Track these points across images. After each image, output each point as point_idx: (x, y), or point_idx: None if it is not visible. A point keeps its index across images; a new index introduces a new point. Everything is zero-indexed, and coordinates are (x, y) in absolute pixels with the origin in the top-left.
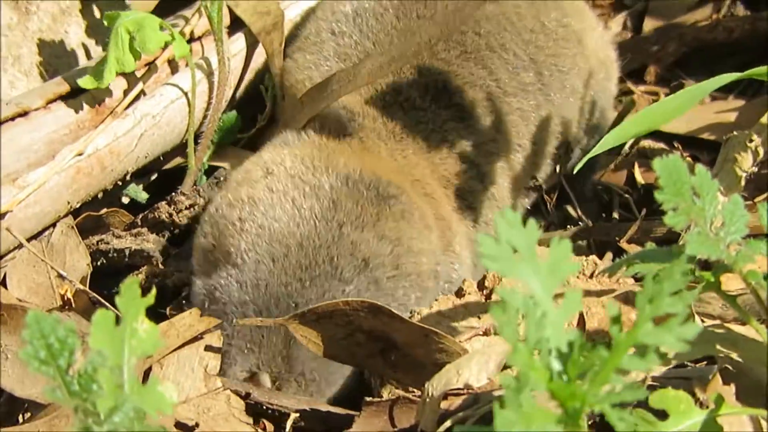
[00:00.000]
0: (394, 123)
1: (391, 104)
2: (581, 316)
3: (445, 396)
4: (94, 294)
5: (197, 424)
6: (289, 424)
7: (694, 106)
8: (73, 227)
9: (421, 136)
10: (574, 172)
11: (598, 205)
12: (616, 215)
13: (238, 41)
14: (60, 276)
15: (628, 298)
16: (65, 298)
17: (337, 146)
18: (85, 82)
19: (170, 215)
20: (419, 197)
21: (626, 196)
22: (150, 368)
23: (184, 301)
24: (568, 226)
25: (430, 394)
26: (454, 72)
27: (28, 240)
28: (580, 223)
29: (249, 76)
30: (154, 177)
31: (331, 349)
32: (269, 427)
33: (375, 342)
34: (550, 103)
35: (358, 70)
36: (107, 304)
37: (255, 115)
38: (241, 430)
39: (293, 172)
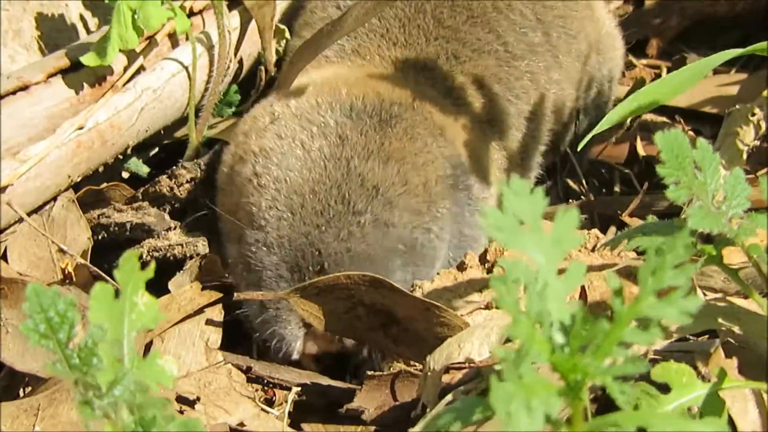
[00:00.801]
0: (401, 62)
1: (403, 68)
2: (583, 289)
3: (447, 370)
4: (95, 268)
5: (198, 398)
6: (290, 397)
7: (698, 81)
8: (73, 201)
9: (429, 83)
10: (579, 148)
11: (595, 179)
12: (617, 189)
13: (237, 17)
14: (61, 250)
15: (629, 272)
16: (66, 272)
17: (338, 73)
18: (89, 59)
19: (171, 189)
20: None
21: (626, 171)
22: (151, 342)
23: (227, 274)
24: (570, 200)
25: (431, 368)
26: (462, 39)
27: (29, 214)
28: (582, 197)
29: (248, 50)
30: (154, 152)
31: (332, 324)
32: (278, 394)
33: (376, 316)
34: (558, 66)
35: (344, 18)
36: (107, 277)
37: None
38: (242, 404)
39: (299, 112)
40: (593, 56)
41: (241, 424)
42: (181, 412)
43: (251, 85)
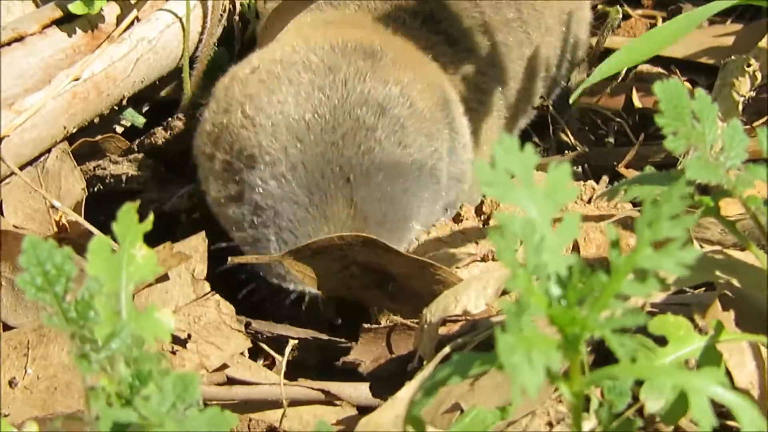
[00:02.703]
0: (382, 30)
1: (379, 20)
2: (576, 242)
3: (444, 322)
4: (87, 224)
5: (189, 336)
6: (287, 351)
7: (692, 30)
8: (68, 152)
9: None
10: (571, 100)
11: (589, 131)
12: (612, 140)
13: None
14: (53, 207)
15: (626, 224)
16: (60, 224)
17: (319, 30)
18: (76, 7)
19: (166, 140)
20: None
21: (619, 121)
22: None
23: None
24: (565, 153)
25: (428, 321)
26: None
27: (25, 165)
28: (577, 149)
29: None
30: (146, 108)
31: (326, 283)
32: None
33: (371, 274)
34: (529, 41)
35: None
36: (96, 231)
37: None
38: (234, 339)
39: (279, 57)
40: (561, 27)
41: (233, 361)
42: (174, 352)
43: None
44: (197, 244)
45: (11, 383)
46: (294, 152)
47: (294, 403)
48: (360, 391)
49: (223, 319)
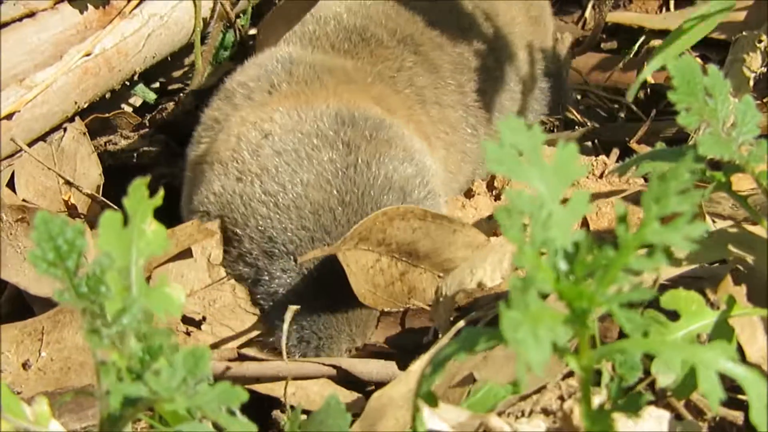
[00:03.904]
0: (362, 62)
1: (358, 44)
2: (585, 217)
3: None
4: (105, 200)
5: (204, 318)
6: (288, 317)
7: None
8: (85, 134)
9: (387, 74)
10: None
11: (600, 107)
12: (622, 116)
13: None
14: (67, 182)
15: (637, 199)
16: (69, 204)
17: (314, 90)
18: None
19: (177, 116)
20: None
21: (617, 98)
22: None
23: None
24: (576, 128)
25: (443, 294)
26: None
27: (36, 140)
28: (586, 124)
29: None
30: (157, 84)
31: (360, 283)
32: None
33: (397, 265)
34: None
35: None
36: (116, 207)
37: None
38: (248, 321)
39: (291, 126)
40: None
41: (249, 342)
42: (188, 333)
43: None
44: (213, 230)
45: (25, 365)
46: (319, 246)
47: (304, 379)
48: (371, 367)
49: (238, 302)
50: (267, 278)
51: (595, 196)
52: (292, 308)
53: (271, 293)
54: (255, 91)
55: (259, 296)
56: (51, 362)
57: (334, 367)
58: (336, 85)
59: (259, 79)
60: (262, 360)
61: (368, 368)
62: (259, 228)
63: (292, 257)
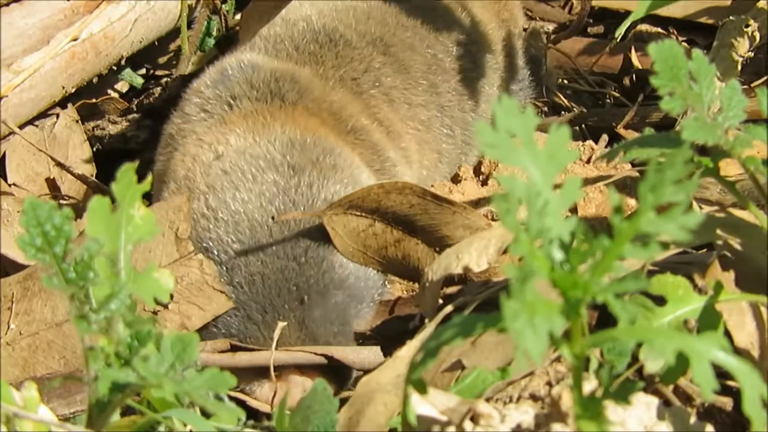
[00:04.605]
0: (325, 67)
1: (324, 44)
2: (575, 202)
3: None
4: (95, 180)
5: (171, 296)
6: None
7: None
8: (78, 121)
9: (351, 76)
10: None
11: (587, 91)
12: (609, 101)
13: None
14: (60, 164)
15: (625, 184)
16: (54, 185)
17: (273, 109)
18: None
19: (165, 100)
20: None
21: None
22: None
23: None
24: (562, 113)
25: (429, 279)
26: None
27: (24, 124)
28: (573, 109)
29: None
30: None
31: (346, 245)
32: None
33: (392, 232)
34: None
35: None
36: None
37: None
38: (215, 299)
39: (242, 148)
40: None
41: (215, 320)
42: (155, 312)
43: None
44: (181, 204)
45: None
46: (254, 262)
47: (297, 368)
48: (363, 356)
49: (205, 279)
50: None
51: (583, 182)
52: (281, 324)
53: None
54: (214, 104)
55: None
56: (20, 336)
57: (326, 356)
58: (296, 101)
59: (219, 92)
60: (254, 350)
61: (360, 357)
62: (198, 239)
63: (224, 271)
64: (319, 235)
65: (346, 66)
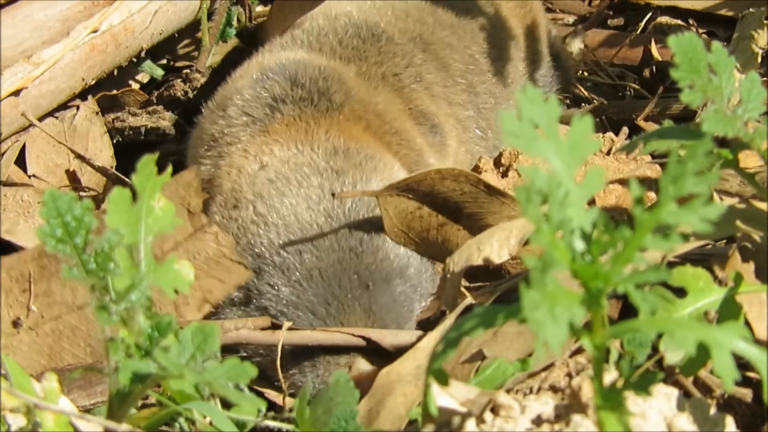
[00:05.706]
0: (368, 63)
1: (367, 40)
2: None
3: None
4: (115, 172)
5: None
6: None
7: None
8: (98, 113)
9: (393, 72)
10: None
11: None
12: (630, 93)
13: None
14: (80, 157)
15: (643, 177)
16: (74, 177)
17: (318, 113)
18: None
19: (185, 92)
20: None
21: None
22: None
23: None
24: (582, 105)
25: (451, 270)
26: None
27: (44, 116)
28: (593, 101)
29: None
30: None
31: (394, 224)
32: None
33: (438, 216)
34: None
35: None
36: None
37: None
38: (234, 270)
39: (286, 157)
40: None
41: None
42: (176, 291)
43: None
44: (190, 179)
45: (15, 324)
46: (309, 258)
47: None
48: (401, 338)
49: (222, 251)
50: (256, 296)
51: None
52: (287, 324)
53: (262, 310)
54: (256, 108)
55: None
56: (42, 320)
57: (363, 338)
58: (342, 103)
59: (259, 93)
60: (293, 329)
61: (398, 339)
62: (249, 246)
63: (278, 274)
64: (370, 227)
65: (388, 62)
